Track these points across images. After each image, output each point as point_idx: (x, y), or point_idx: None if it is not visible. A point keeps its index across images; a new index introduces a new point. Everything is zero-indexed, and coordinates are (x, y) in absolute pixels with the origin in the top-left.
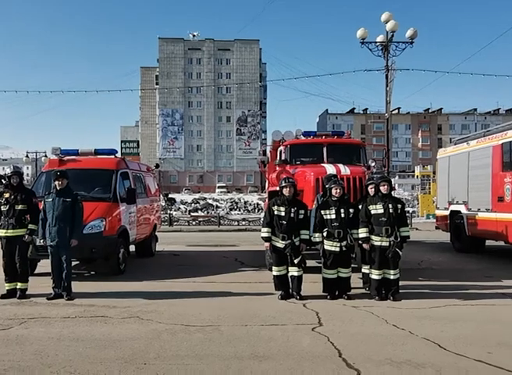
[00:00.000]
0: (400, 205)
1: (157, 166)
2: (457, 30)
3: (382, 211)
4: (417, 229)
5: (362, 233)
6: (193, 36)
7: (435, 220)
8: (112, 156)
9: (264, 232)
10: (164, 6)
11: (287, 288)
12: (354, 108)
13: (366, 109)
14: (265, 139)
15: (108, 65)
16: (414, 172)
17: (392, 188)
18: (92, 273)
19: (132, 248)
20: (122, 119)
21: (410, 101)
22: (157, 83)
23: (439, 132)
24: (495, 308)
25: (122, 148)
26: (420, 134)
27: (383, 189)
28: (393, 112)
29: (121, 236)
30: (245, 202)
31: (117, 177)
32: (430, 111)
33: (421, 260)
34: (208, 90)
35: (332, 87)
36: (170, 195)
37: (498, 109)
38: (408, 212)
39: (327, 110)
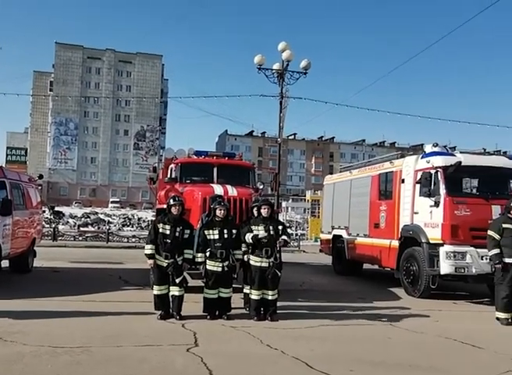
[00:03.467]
0: (281, 227)
1: (40, 176)
2: (354, 63)
3: (263, 232)
4: (304, 251)
5: (238, 254)
6: None
7: (319, 243)
8: None
9: (148, 249)
10: (63, 9)
11: (167, 308)
12: (253, 131)
13: (264, 133)
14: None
15: None
16: (305, 196)
17: (273, 211)
18: None
19: (6, 263)
20: (9, 124)
21: (307, 128)
22: (51, 90)
23: (331, 159)
24: (363, 328)
25: (7, 154)
26: (313, 160)
27: (264, 212)
28: (290, 138)
29: None
30: (139, 219)
31: None
32: (323, 139)
33: (303, 281)
34: (106, 101)
35: (234, 108)
36: (57, 208)
37: (383, 142)
38: (297, 234)
39: (227, 131)
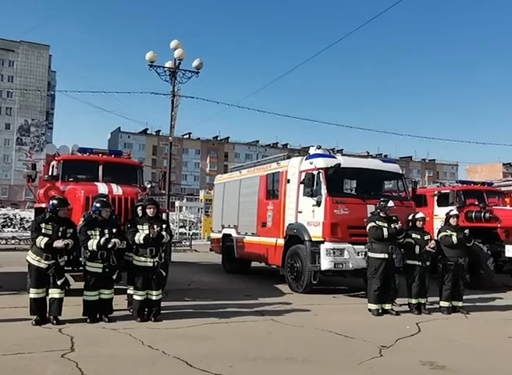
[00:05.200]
0: (164, 226)
1: None
2: (252, 63)
3: (147, 232)
4: (196, 250)
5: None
6: None
7: (210, 242)
8: None
9: (41, 240)
10: None
11: (44, 312)
12: (147, 129)
13: (159, 131)
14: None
15: None
16: (199, 195)
17: (158, 211)
18: None
19: None
20: None
21: (202, 127)
22: None
23: (226, 159)
24: (246, 325)
25: None
26: (208, 160)
27: (149, 212)
28: (185, 137)
29: None
30: (21, 218)
31: None
32: (218, 139)
33: (191, 281)
34: None
35: (128, 105)
36: None
37: (276, 143)
38: (188, 234)
39: (119, 128)
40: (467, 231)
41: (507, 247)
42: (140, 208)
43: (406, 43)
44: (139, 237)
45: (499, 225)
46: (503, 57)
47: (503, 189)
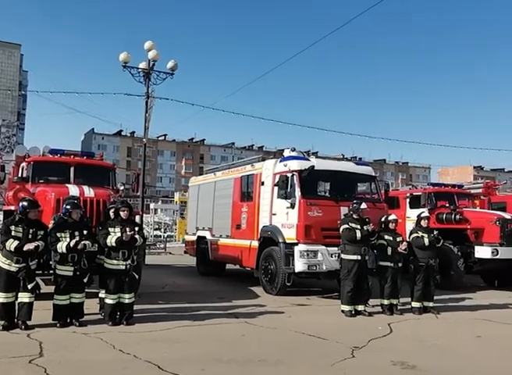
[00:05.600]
0: (137, 228)
1: None
2: (228, 66)
3: (119, 234)
4: (170, 253)
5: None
6: None
7: (184, 245)
8: None
9: (11, 243)
10: None
11: (12, 317)
12: (122, 131)
13: (133, 133)
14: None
15: None
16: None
17: (131, 213)
18: None
19: None
20: None
21: (178, 129)
22: None
23: (201, 161)
24: (219, 327)
25: None
26: (184, 162)
27: (123, 214)
28: (160, 139)
29: None
30: None
31: None
32: (194, 140)
33: (165, 284)
34: None
35: (102, 106)
36: None
37: (252, 145)
38: (163, 236)
39: (93, 129)
40: (436, 232)
41: (477, 248)
42: (112, 210)
43: (379, 45)
44: (111, 240)
45: (468, 226)
46: (465, 60)
47: (472, 191)
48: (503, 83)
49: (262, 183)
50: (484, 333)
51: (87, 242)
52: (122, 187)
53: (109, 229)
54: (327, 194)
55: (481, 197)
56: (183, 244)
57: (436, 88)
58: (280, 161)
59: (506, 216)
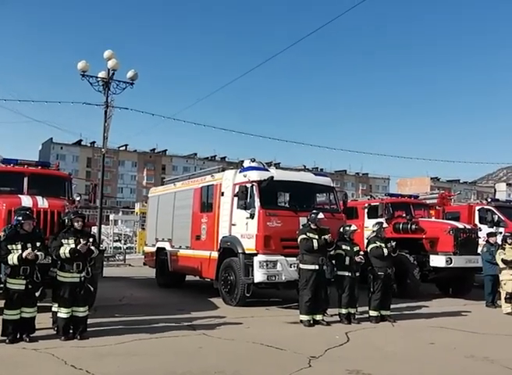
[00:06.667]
0: (91, 239)
1: None
2: (193, 75)
3: (73, 246)
4: (130, 265)
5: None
6: None
7: (143, 257)
8: None
9: None
10: None
11: None
12: (82, 140)
13: (94, 142)
14: None
15: None
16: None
17: (85, 224)
18: None
19: None
20: None
21: (139, 139)
22: None
23: (163, 172)
24: (176, 340)
25: None
26: (145, 173)
27: (77, 225)
28: (121, 149)
29: None
30: None
31: None
32: (156, 151)
33: (123, 296)
34: None
35: (61, 115)
36: None
37: (214, 156)
38: (123, 248)
39: (51, 139)
40: (394, 243)
41: (432, 257)
42: (66, 221)
43: (341, 57)
44: (64, 251)
45: (424, 236)
46: (422, 74)
47: (428, 202)
48: (458, 96)
49: (222, 194)
50: (438, 340)
51: (39, 253)
52: (78, 198)
53: (62, 240)
54: (286, 204)
55: (437, 207)
56: (143, 256)
57: (395, 101)
58: (240, 171)
59: (460, 225)
